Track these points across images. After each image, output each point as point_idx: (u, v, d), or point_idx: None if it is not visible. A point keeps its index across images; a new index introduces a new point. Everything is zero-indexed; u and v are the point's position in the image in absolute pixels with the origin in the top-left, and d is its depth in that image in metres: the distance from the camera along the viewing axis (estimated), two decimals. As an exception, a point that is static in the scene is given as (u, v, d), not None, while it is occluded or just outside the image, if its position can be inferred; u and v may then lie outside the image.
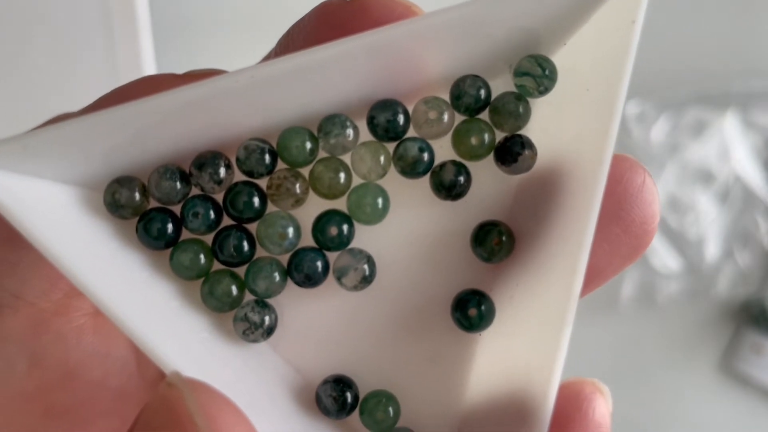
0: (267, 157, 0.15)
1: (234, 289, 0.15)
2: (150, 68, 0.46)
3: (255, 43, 0.55)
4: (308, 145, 0.15)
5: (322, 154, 0.15)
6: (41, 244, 0.13)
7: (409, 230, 0.16)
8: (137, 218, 0.15)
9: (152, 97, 0.13)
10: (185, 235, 0.15)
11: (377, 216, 0.15)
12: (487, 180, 0.16)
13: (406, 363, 0.16)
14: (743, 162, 0.55)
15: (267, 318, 0.15)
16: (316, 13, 0.15)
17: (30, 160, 0.13)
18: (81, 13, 0.44)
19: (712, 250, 0.55)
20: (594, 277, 0.14)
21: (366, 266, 0.15)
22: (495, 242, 0.15)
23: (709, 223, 0.55)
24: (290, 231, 0.15)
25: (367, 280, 0.15)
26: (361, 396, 0.16)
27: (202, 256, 0.15)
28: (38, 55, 0.46)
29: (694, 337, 0.55)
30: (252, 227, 0.15)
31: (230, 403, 0.12)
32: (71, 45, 0.46)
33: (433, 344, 0.16)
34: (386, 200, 0.15)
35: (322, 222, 0.15)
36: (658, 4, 0.53)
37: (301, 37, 0.15)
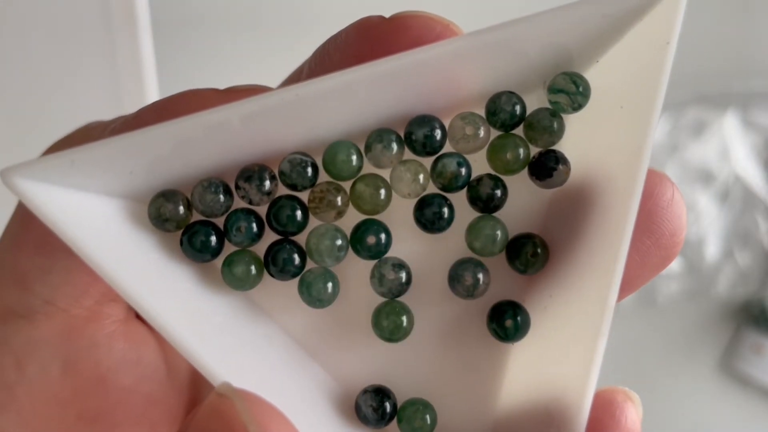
0: (310, 171, 0.15)
1: (330, 285, 0.16)
2: (150, 68, 0.46)
3: (255, 43, 0.55)
4: (354, 158, 0.15)
5: (366, 168, 0.16)
6: (89, 256, 0.13)
7: (444, 240, 0.16)
8: (181, 231, 0.15)
9: (197, 114, 0.13)
10: (228, 246, 0.16)
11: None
12: (521, 193, 0.16)
13: (441, 371, 0.16)
14: (743, 162, 0.55)
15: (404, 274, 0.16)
16: (356, 28, 0.15)
17: (77, 174, 0.14)
18: (81, 13, 0.44)
19: (712, 250, 0.55)
20: (624, 286, 0.15)
21: (403, 275, 0.16)
22: (530, 254, 0.16)
23: (709, 223, 0.55)
24: (341, 242, 0.15)
25: (402, 289, 0.16)
26: (399, 404, 0.16)
27: (253, 268, 0.15)
28: (38, 55, 0.46)
29: (694, 337, 0.55)
30: (299, 239, 0.16)
31: (280, 413, 0.12)
32: (71, 45, 0.46)
33: (468, 353, 0.16)
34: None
35: (360, 231, 0.16)
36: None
37: (338, 51, 0.16)
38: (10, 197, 0.14)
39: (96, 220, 0.14)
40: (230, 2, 0.50)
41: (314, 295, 0.15)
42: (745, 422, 0.56)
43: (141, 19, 0.45)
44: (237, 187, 0.15)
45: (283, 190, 0.15)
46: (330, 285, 0.15)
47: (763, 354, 0.54)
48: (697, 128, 0.55)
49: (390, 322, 0.16)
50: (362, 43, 0.15)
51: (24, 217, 0.16)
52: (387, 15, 0.15)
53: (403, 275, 0.16)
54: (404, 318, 0.16)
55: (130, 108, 0.47)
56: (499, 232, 0.15)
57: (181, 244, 0.15)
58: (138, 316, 0.17)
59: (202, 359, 0.13)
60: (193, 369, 0.16)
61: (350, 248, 0.16)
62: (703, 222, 0.55)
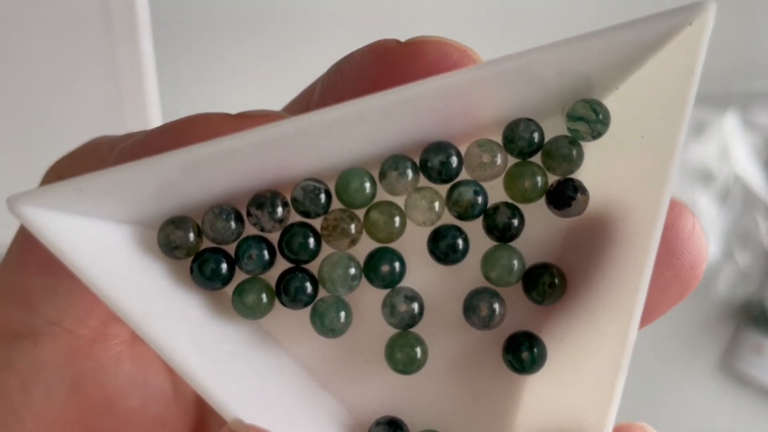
0: (323, 198, 0.15)
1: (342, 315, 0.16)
2: (150, 69, 0.46)
3: (255, 44, 0.55)
4: (367, 186, 0.15)
5: (379, 195, 0.15)
6: (95, 284, 0.13)
7: (459, 269, 0.16)
8: (191, 258, 0.15)
9: (209, 142, 0.13)
10: (238, 274, 0.15)
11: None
12: (538, 222, 0.16)
13: (455, 403, 0.16)
14: (743, 162, 0.55)
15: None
16: (371, 51, 0.15)
17: (84, 202, 0.14)
18: (81, 13, 0.44)
19: (712, 250, 0.55)
20: (641, 318, 0.14)
21: (415, 306, 0.15)
22: (548, 284, 0.15)
23: (709, 223, 0.55)
24: (354, 270, 0.15)
25: (414, 321, 0.15)
26: None
27: (264, 296, 0.15)
28: (38, 55, 0.46)
29: (694, 337, 0.55)
30: (311, 267, 0.16)
31: None
32: (71, 45, 0.46)
33: (482, 384, 0.16)
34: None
35: (374, 260, 0.15)
36: (658, 4, 0.53)
37: (352, 72, 0.15)
38: (12, 217, 0.13)
39: (103, 247, 0.14)
40: (230, 3, 0.50)
41: (327, 325, 0.15)
42: (745, 422, 0.56)
43: (141, 20, 0.45)
44: (249, 213, 0.15)
45: (295, 217, 0.15)
46: (343, 314, 0.15)
47: (763, 354, 0.54)
48: (697, 128, 0.55)
49: (404, 355, 0.15)
50: (377, 66, 0.15)
51: (28, 238, 0.15)
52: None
53: (416, 307, 0.15)
54: (418, 350, 0.15)
55: (130, 108, 0.48)
56: (515, 262, 0.15)
57: (192, 271, 0.15)
58: None
59: (210, 389, 0.13)
60: None
61: (363, 276, 0.16)
62: (703, 222, 0.55)
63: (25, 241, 0.16)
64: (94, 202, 0.14)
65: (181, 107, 0.51)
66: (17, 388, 0.15)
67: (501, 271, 0.15)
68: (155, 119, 0.48)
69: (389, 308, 0.15)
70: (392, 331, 0.16)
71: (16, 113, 0.50)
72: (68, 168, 0.17)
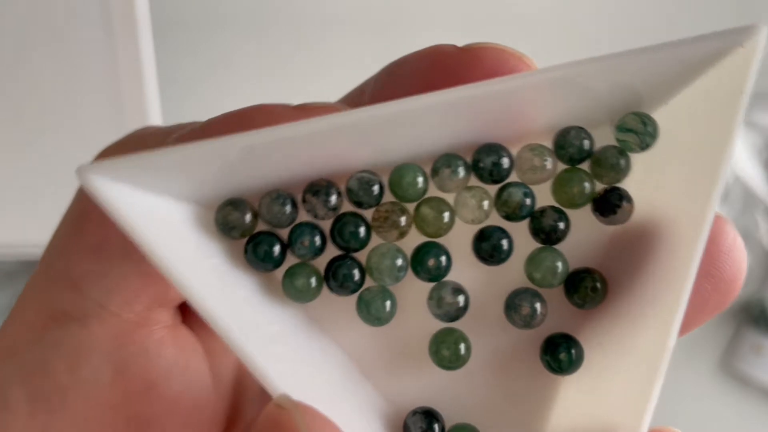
0: (377, 189, 0.15)
1: (388, 304, 0.16)
2: (150, 69, 0.46)
3: (255, 43, 0.55)
4: (420, 181, 0.15)
5: (430, 191, 0.16)
6: (160, 258, 0.13)
7: (502, 269, 0.16)
8: (246, 239, 0.16)
9: (273, 128, 0.14)
10: (289, 259, 0.16)
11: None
12: (583, 227, 0.16)
13: (491, 399, 0.17)
14: (743, 162, 0.55)
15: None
16: (427, 55, 0.16)
17: (150, 176, 0.14)
18: (81, 13, 0.44)
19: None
20: (680, 329, 0.15)
21: (461, 299, 0.16)
22: (590, 288, 0.16)
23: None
24: (401, 262, 0.16)
25: (459, 314, 0.16)
26: (447, 428, 0.16)
27: (313, 280, 0.16)
28: (38, 55, 0.46)
29: (694, 337, 0.55)
30: (359, 257, 0.16)
31: (336, 427, 0.12)
32: (71, 45, 0.46)
33: (518, 383, 0.17)
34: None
35: (421, 253, 0.16)
36: (658, 4, 0.53)
37: (405, 76, 0.16)
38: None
39: (164, 222, 0.14)
40: (230, 3, 0.50)
41: (373, 313, 0.16)
42: (745, 422, 0.56)
43: (141, 19, 0.45)
44: (304, 200, 0.15)
45: (347, 207, 0.16)
46: (388, 303, 0.16)
47: (763, 354, 0.54)
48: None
49: (450, 352, 0.16)
50: (434, 71, 0.15)
51: (77, 221, 0.16)
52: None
53: (461, 300, 0.16)
54: (462, 346, 0.16)
55: (130, 109, 0.48)
56: (559, 264, 0.16)
57: (245, 252, 0.16)
58: (185, 323, 0.17)
59: (262, 368, 0.13)
60: (235, 377, 0.17)
61: (410, 269, 0.16)
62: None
63: (74, 225, 0.16)
64: (159, 177, 0.14)
65: (181, 107, 0.51)
66: (65, 369, 0.15)
67: (545, 272, 0.16)
68: (155, 120, 0.48)
69: (436, 300, 0.16)
70: (435, 324, 0.16)
71: (16, 113, 0.50)
72: (117, 155, 0.17)
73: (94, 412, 0.15)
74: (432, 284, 0.16)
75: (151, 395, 0.16)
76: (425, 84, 0.15)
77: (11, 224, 0.53)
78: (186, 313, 0.17)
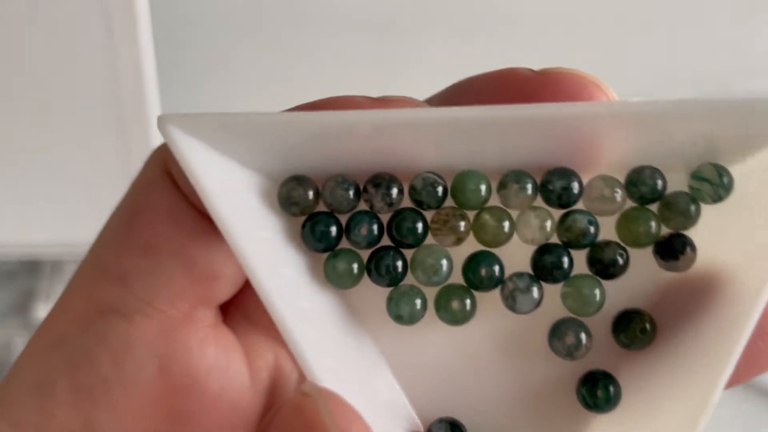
0: (440, 192, 0.15)
1: (418, 302, 0.16)
2: (150, 68, 0.46)
3: (255, 43, 0.55)
4: (483, 189, 0.15)
5: (492, 203, 0.16)
6: (223, 221, 0.14)
7: (547, 298, 0.16)
8: (302, 218, 0.16)
9: (354, 111, 0.14)
10: (344, 244, 0.16)
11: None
12: (639, 267, 0.16)
13: (517, 424, 0.16)
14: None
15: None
16: (501, 77, 0.15)
17: (226, 138, 0.14)
18: (81, 13, 0.44)
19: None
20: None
21: (534, 288, 0.16)
22: (639, 330, 0.16)
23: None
24: (445, 266, 0.15)
25: (538, 304, 0.16)
26: None
27: (355, 266, 0.16)
28: (38, 55, 0.46)
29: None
30: (407, 252, 0.16)
31: (360, 417, 0.12)
32: (71, 45, 0.46)
33: (550, 414, 0.16)
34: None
35: (475, 261, 0.16)
36: (658, 4, 0.53)
37: (474, 96, 0.16)
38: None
39: (230, 185, 0.15)
40: (230, 3, 0.50)
41: (398, 310, 0.16)
42: (745, 422, 0.56)
43: (141, 19, 0.45)
44: (364, 190, 0.16)
45: (406, 205, 0.16)
46: (418, 302, 0.16)
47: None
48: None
49: (460, 305, 0.16)
50: (507, 93, 0.15)
51: (130, 218, 0.16)
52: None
53: (534, 287, 0.15)
54: (468, 301, 0.16)
55: (130, 108, 0.48)
56: (597, 293, 0.15)
57: (303, 228, 0.16)
58: (225, 323, 0.17)
59: (303, 350, 0.13)
60: (272, 378, 0.17)
61: (462, 275, 0.16)
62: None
63: (126, 221, 0.16)
64: (234, 141, 0.15)
65: (181, 107, 0.51)
66: (109, 362, 0.15)
67: (581, 300, 0.15)
68: (155, 119, 0.48)
69: (510, 299, 0.16)
70: (472, 339, 0.16)
71: (16, 113, 0.50)
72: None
73: (135, 406, 0.15)
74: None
75: (192, 392, 0.16)
76: (496, 104, 0.15)
77: (11, 224, 0.53)
78: (227, 313, 0.17)
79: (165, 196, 0.16)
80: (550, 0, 0.52)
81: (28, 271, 0.58)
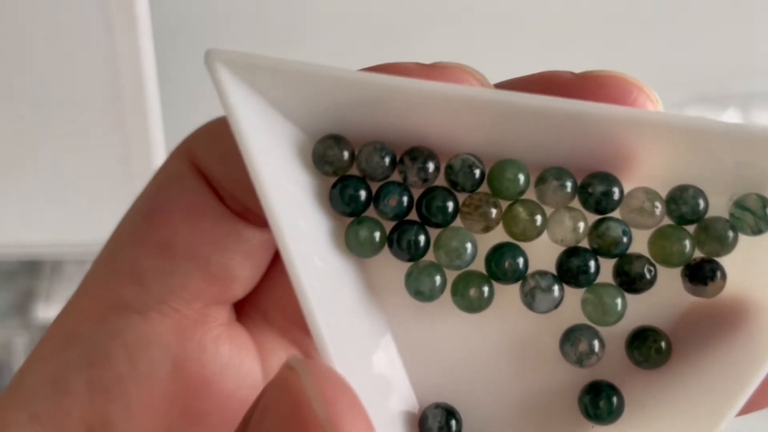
0: (477, 175, 0.15)
1: (438, 278, 0.15)
2: (150, 68, 0.46)
3: (255, 44, 0.55)
4: (521, 179, 0.15)
5: (527, 197, 0.15)
6: (251, 158, 0.13)
7: (565, 304, 0.16)
8: (333, 179, 0.15)
9: (408, 79, 0.14)
10: (369, 213, 0.16)
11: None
12: (665, 287, 0.16)
13: (513, 424, 0.16)
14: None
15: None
16: (540, 80, 0.15)
17: (271, 84, 0.14)
18: (81, 13, 0.44)
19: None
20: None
21: (555, 288, 0.15)
22: (654, 349, 0.15)
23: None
24: (468, 252, 0.15)
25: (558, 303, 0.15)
26: None
27: (377, 235, 0.15)
28: (38, 55, 0.46)
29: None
30: (432, 232, 0.16)
31: (348, 388, 0.12)
32: (71, 45, 0.46)
33: (547, 420, 0.16)
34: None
35: (499, 252, 0.15)
36: (658, 4, 0.53)
37: None
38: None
39: (266, 132, 0.14)
40: (230, 3, 0.50)
41: (416, 285, 0.15)
42: (746, 422, 0.56)
43: (141, 19, 0.45)
44: (400, 161, 0.15)
45: (440, 183, 0.15)
46: (438, 279, 0.15)
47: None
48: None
49: (477, 293, 0.15)
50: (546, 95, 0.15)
51: (147, 217, 0.16)
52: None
53: (555, 287, 0.15)
54: (486, 290, 0.15)
55: (130, 107, 0.48)
56: (619, 302, 0.15)
57: (333, 188, 0.15)
58: (239, 319, 0.17)
59: (311, 300, 0.13)
60: None
61: (484, 264, 0.16)
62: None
63: (144, 220, 0.16)
64: (281, 88, 0.14)
65: (181, 107, 0.51)
66: (125, 359, 0.15)
67: (601, 307, 0.15)
68: (155, 119, 0.48)
69: (529, 296, 0.15)
70: (487, 329, 0.16)
71: (16, 113, 0.50)
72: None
73: (150, 404, 0.15)
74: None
75: (206, 391, 0.16)
76: None
77: (11, 224, 0.53)
78: (240, 310, 0.17)
79: (186, 194, 0.16)
80: (550, 0, 0.52)
81: (28, 271, 0.58)
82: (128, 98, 0.47)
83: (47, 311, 0.56)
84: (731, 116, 0.55)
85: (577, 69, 0.15)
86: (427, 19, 0.52)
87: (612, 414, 0.15)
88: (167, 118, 0.48)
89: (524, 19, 0.52)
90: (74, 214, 0.52)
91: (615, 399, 0.15)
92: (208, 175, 0.16)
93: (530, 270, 0.15)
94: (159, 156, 0.49)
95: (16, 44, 0.46)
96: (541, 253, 0.16)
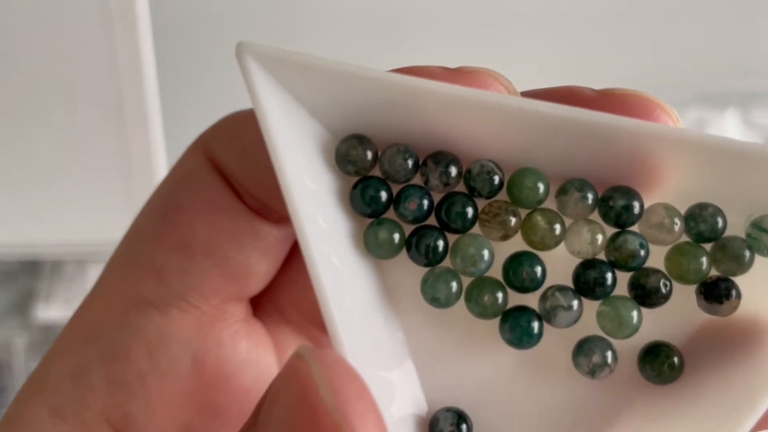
0: (496, 181, 0.15)
1: (454, 285, 0.15)
2: (150, 68, 0.46)
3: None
4: (540, 188, 0.15)
5: (545, 206, 0.15)
6: (276, 152, 0.13)
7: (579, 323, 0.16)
8: (357, 178, 0.15)
9: (438, 83, 0.14)
10: (389, 215, 0.16)
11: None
12: (679, 304, 0.16)
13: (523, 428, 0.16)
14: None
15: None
16: (562, 95, 0.15)
17: (300, 80, 0.14)
18: (81, 13, 0.44)
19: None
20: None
21: (575, 304, 0.15)
22: (667, 365, 0.15)
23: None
24: (485, 259, 0.15)
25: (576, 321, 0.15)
26: None
27: (396, 237, 0.15)
28: (38, 55, 0.46)
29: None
30: (450, 237, 0.16)
31: (357, 377, 0.12)
32: (71, 45, 0.46)
33: (556, 429, 0.16)
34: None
35: (518, 261, 0.15)
36: (658, 4, 0.53)
37: None
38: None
39: (293, 130, 0.14)
40: (230, 3, 0.50)
41: (432, 291, 0.15)
42: None
43: (141, 19, 0.45)
44: (423, 164, 0.15)
45: (461, 189, 0.15)
46: (454, 285, 0.15)
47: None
48: (697, 128, 0.55)
49: (491, 299, 0.15)
50: None
51: (165, 213, 0.16)
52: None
53: (575, 303, 0.15)
54: (501, 297, 0.15)
55: (130, 107, 0.48)
56: (634, 314, 0.15)
57: (354, 188, 0.15)
58: (255, 315, 0.17)
59: (326, 291, 0.13)
60: None
61: (501, 272, 0.16)
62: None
63: (163, 216, 0.16)
64: (308, 84, 0.14)
65: (181, 107, 0.51)
66: (144, 354, 0.16)
67: (616, 320, 0.15)
68: (155, 119, 0.48)
69: (551, 314, 0.15)
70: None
71: (15, 113, 0.50)
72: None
73: (170, 399, 0.16)
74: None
75: (225, 387, 0.16)
76: None
77: (11, 224, 0.53)
78: (257, 306, 0.17)
79: (204, 191, 0.16)
80: (550, 0, 0.52)
81: (28, 271, 0.58)
82: (128, 98, 0.47)
83: (47, 311, 0.56)
84: (731, 116, 0.55)
85: (577, 69, 0.15)
86: (427, 19, 0.52)
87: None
88: (167, 118, 0.48)
89: (524, 19, 0.52)
90: (74, 214, 0.52)
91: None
92: (226, 171, 0.16)
93: (547, 280, 0.15)
94: (159, 155, 0.49)
95: (16, 44, 0.46)
96: (558, 265, 0.16)
